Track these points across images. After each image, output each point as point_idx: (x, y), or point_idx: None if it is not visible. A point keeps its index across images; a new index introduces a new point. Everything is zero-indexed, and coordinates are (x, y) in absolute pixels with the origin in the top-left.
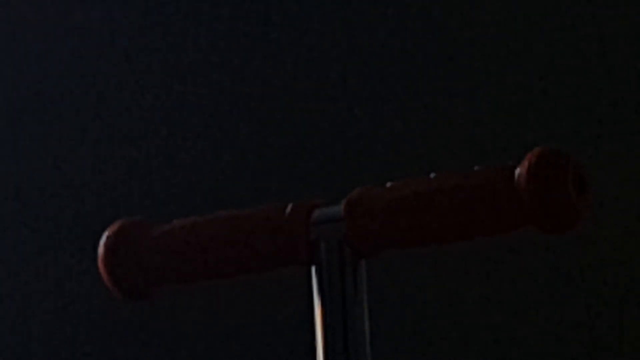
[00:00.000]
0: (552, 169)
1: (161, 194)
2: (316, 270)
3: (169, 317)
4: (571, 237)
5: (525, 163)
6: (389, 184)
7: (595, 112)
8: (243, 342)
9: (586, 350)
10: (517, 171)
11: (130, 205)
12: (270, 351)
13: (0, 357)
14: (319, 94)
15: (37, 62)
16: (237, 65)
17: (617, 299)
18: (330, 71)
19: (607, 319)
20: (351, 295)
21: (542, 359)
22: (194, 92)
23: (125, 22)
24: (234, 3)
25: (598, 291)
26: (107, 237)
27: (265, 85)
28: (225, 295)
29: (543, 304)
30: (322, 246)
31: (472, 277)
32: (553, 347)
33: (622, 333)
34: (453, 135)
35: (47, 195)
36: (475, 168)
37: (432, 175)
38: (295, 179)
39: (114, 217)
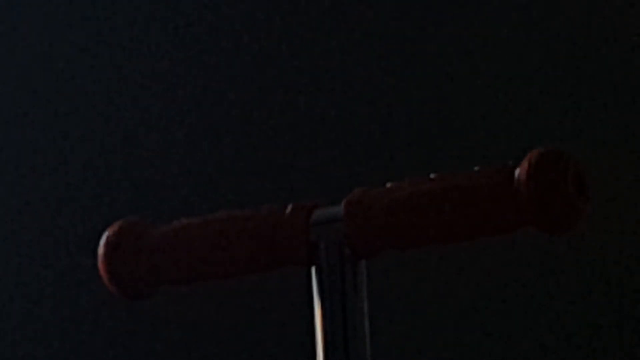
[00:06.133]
0: (552, 169)
1: (161, 194)
2: (316, 271)
3: (168, 317)
4: (571, 237)
5: (525, 163)
6: (388, 185)
7: (595, 112)
8: (243, 342)
9: (586, 350)
10: (517, 171)
11: (130, 205)
12: (271, 351)
13: (1, 357)
14: (319, 94)
15: (38, 62)
16: (238, 66)
17: (617, 299)
18: (330, 71)
19: (607, 319)
20: (351, 295)
21: (541, 359)
22: (194, 92)
23: (125, 23)
24: (233, 4)
25: (598, 291)
26: (107, 237)
27: (265, 85)
28: (226, 295)
29: (543, 304)
30: (321, 247)
31: (471, 277)
32: (553, 347)
33: (622, 333)
34: (453, 135)
35: (47, 195)
36: (475, 168)
37: (432, 175)
38: (295, 179)
39: (114, 217)
